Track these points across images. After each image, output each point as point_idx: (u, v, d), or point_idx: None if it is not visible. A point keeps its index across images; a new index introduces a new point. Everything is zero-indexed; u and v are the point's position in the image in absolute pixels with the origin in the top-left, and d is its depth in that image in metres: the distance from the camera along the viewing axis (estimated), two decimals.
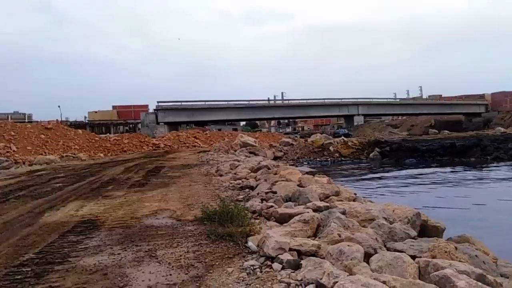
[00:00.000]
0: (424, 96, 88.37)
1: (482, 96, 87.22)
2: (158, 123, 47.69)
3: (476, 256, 3.43)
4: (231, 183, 9.04)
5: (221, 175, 10.74)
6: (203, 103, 50.90)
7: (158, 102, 49.06)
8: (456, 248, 3.31)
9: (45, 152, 22.56)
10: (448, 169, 20.28)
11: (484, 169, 19.71)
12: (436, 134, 43.51)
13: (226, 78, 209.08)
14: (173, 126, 48.41)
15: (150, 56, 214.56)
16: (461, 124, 63.64)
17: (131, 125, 68.70)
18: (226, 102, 52.52)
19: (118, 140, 30.72)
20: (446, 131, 48.40)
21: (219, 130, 56.30)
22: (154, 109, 49.82)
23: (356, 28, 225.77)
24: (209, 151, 23.33)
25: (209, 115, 51.65)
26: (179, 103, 49.87)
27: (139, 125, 56.46)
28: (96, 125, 65.45)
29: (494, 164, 20.94)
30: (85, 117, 70.97)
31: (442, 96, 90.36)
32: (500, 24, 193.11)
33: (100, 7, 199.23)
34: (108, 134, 45.73)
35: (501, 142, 25.57)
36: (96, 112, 72.41)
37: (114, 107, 75.44)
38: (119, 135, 36.69)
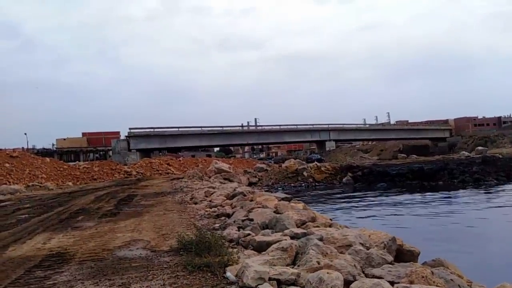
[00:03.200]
0: (392, 122, 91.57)
1: (446, 122, 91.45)
2: (130, 150, 46.79)
3: (451, 280, 3.50)
4: (206, 211, 8.91)
5: (196, 203, 10.58)
6: (176, 129, 50.56)
7: (130, 128, 48.36)
8: (432, 272, 3.37)
9: (9, 182, 21.56)
10: (418, 193, 20.85)
11: (451, 192, 20.38)
12: (405, 159, 44.89)
13: (199, 103, 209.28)
14: (146, 153, 47.61)
15: (121, 82, 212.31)
16: (427, 149, 66.16)
17: (101, 153, 67.07)
18: (200, 128, 52.41)
19: (88, 168, 29.86)
20: (414, 156, 50.11)
21: (193, 156, 55.85)
22: (126, 136, 48.96)
23: (323, 56, 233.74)
24: (183, 178, 23.01)
25: (182, 141, 51.25)
26: (152, 130, 49.31)
27: (110, 152, 55.16)
28: (64, 153, 63.46)
29: (461, 188, 21.71)
30: (53, 145, 68.73)
31: (409, 121, 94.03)
32: (456, 54, 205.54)
33: (68, 32, 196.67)
34: (77, 162, 44.42)
35: (466, 166, 26.65)
36: (64, 139, 70.36)
37: (84, 134, 73.69)
38: (89, 163, 35.74)
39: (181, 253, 4.88)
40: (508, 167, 26.52)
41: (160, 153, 56.29)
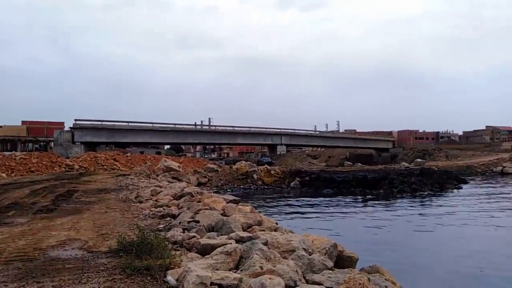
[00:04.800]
0: (341, 130, 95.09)
1: (390, 133, 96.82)
2: (74, 142, 44.35)
3: (386, 286, 3.67)
4: (151, 210, 8.64)
5: (141, 202, 10.23)
6: (126, 123, 48.77)
7: (76, 120, 45.83)
8: (369, 279, 3.50)
9: None
10: (361, 199, 21.78)
11: (391, 200, 21.52)
12: (350, 166, 46.73)
13: (153, 99, 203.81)
14: (91, 146, 45.36)
15: (70, 71, 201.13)
16: (372, 158, 69.49)
17: (42, 143, 62.93)
18: (151, 124, 50.95)
19: (26, 159, 27.84)
20: (359, 164, 52.34)
21: (142, 153, 54.15)
22: (71, 127, 46.35)
23: (281, 61, 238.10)
24: (129, 175, 22.22)
25: (132, 136, 49.52)
26: (99, 123, 47.13)
27: (52, 144, 51.93)
28: (0, 141, 58.74)
29: (399, 196, 23.00)
30: None
31: (356, 131, 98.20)
32: (404, 70, 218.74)
33: (17, 14, 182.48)
34: (14, 152, 41.22)
35: (405, 176, 28.28)
36: (1, 126, 65.17)
37: (24, 122, 68.69)
38: (27, 154, 33.32)
39: (120, 254, 4.67)
40: (442, 179, 28.58)
41: (107, 148, 53.95)
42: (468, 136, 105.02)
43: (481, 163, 50.04)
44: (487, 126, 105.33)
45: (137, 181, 17.40)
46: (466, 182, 30.81)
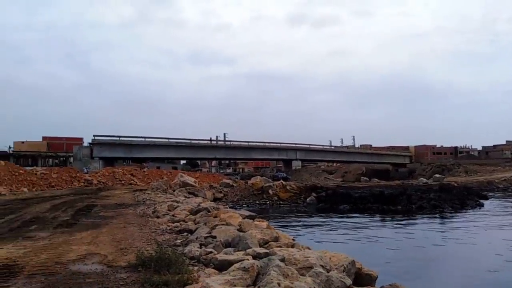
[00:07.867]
0: (357, 145, 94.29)
1: (406, 148, 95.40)
2: (92, 157, 45.32)
3: None
4: (168, 225, 8.72)
5: (158, 217, 10.33)
6: (143, 139, 49.63)
7: (94, 135, 46.92)
8: None
9: None
10: (378, 216, 21.39)
11: (410, 217, 21.06)
12: (367, 182, 46.07)
13: (168, 115, 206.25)
14: (109, 161, 46.22)
15: (88, 88, 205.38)
16: (388, 173, 68.43)
17: (62, 159, 64.43)
18: (167, 140, 51.66)
19: (46, 174, 28.54)
20: (376, 179, 51.60)
21: (158, 168, 54.74)
22: (89, 143, 47.46)
23: (293, 77, 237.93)
24: (146, 190, 22.48)
25: (148, 152, 50.28)
26: (117, 138, 48.10)
27: (71, 159, 53.14)
28: (21, 157, 60.41)
29: (418, 213, 22.48)
30: (10, 147, 65.22)
31: (372, 146, 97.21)
32: (417, 84, 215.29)
33: (35, 31, 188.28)
34: (35, 167, 42.30)
35: (424, 192, 27.71)
36: (23, 142, 67.12)
37: (44, 138, 70.66)
38: (48, 169, 34.16)
39: (139, 269, 4.73)
40: (462, 195, 27.84)
41: (124, 163, 54.79)
42: (488, 151, 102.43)
43: (502, 179, 48.58)
44: (507, 141, 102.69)
45: (154, 196, 17.58)
46: (487, 198, 29.93)
